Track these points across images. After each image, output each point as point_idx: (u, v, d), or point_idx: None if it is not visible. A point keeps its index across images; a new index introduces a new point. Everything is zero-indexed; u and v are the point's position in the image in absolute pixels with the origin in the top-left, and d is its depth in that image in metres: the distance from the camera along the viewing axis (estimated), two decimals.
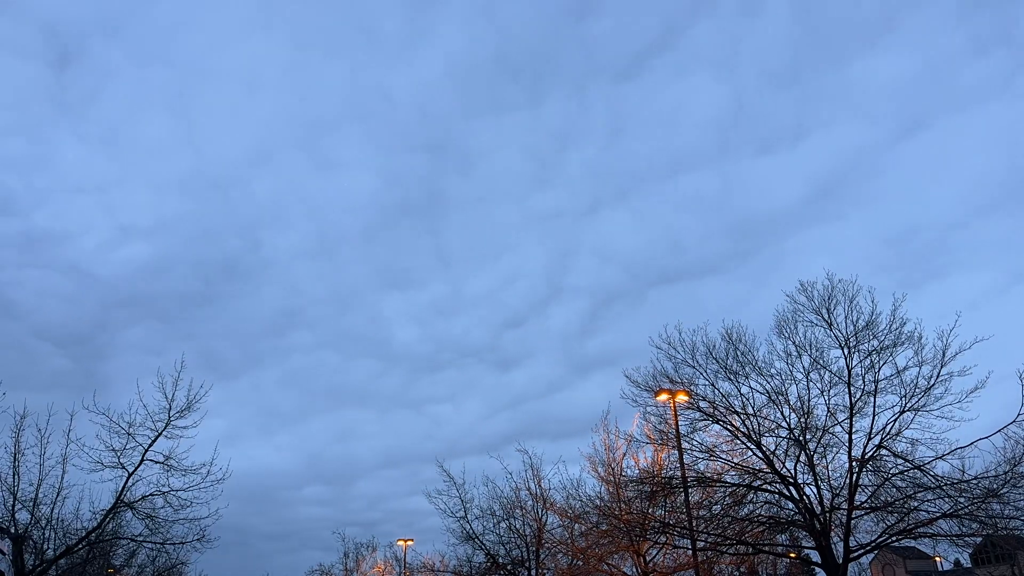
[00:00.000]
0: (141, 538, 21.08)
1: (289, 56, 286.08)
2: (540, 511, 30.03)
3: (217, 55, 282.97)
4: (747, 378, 21.00)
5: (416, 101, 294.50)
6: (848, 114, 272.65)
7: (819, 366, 20.27)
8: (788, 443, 20.38)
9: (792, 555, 27.17)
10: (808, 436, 20.10)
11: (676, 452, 21.76)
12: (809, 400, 20.30)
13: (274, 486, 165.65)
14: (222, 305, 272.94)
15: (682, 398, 21.56)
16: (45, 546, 20.17)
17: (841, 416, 19.82)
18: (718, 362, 21.35)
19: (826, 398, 20.16)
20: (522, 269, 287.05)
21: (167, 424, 19.55)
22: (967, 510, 17.92)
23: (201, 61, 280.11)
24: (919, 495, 18.69)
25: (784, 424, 20.42)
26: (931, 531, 18.88)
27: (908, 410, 18.95)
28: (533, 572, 29.89)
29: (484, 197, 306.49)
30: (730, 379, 21.19)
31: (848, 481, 19.36)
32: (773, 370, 20.88)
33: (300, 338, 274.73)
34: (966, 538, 18.81)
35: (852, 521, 19.21)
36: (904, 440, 19.03)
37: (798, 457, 20.10)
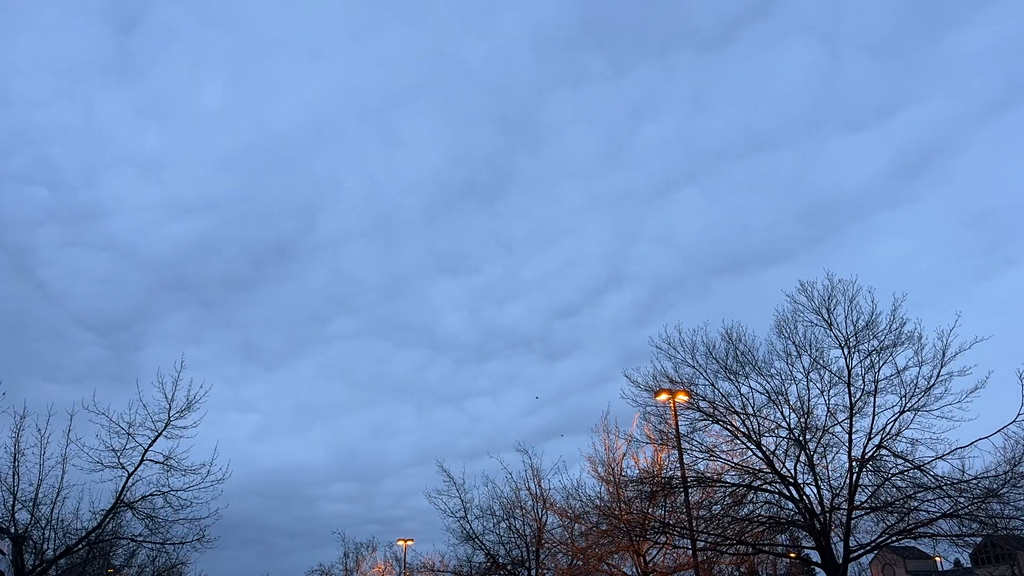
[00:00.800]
0: (141, 538, 21.09)
1: (356, 23, 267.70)
2: (540, 511, 30.05)
3: (281, 20, 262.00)
4: (747, 378, 21.03)
5: (492, 72, 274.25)
6: (941, 87, 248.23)
7: (819, 366, 20.28)
8: (788, 443, 20.39)
9: (792, 555, 27.17)
10: (808, 436, 20.10)
11: (676, 452, 21.76)
12: (809, 400, 20.32)
13: (302, 482, 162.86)
14: (268, 289, 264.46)
15: (682, 398, 21.56)
16: (45, 546, 20.15)
17: (841, 416, 19.83)
18: (718, 362, 21.36)
19: (826, 398, 20.19)
20: (581, 254, 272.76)
21: (167, 424, 19.55)
22: (967, 510, 17.92)
23: (265, 27, 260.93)
24: (919, 495, 18.69)
25: (784, 424, 20.43)
26: (931, 531, 18.88)
27: (908, 410, 18.95)
28: (533, 572, 29.89)
29: (551, 176, 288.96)
30: (730, 379, 21.21)
31: (848, 481, 19.36)
32: (773, 370, 20.92)
33: (344, 325, 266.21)
34: (966, 538, 18.82)
35: (852, 521, 19.21)
36: (904, 440, 19.06)
37: (798, 457, 20.10)
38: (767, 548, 22.63)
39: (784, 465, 20.13)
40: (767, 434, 20.68)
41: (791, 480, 19.87)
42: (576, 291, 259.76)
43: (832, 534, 19.53)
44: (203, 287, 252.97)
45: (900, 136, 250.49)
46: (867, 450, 19.27)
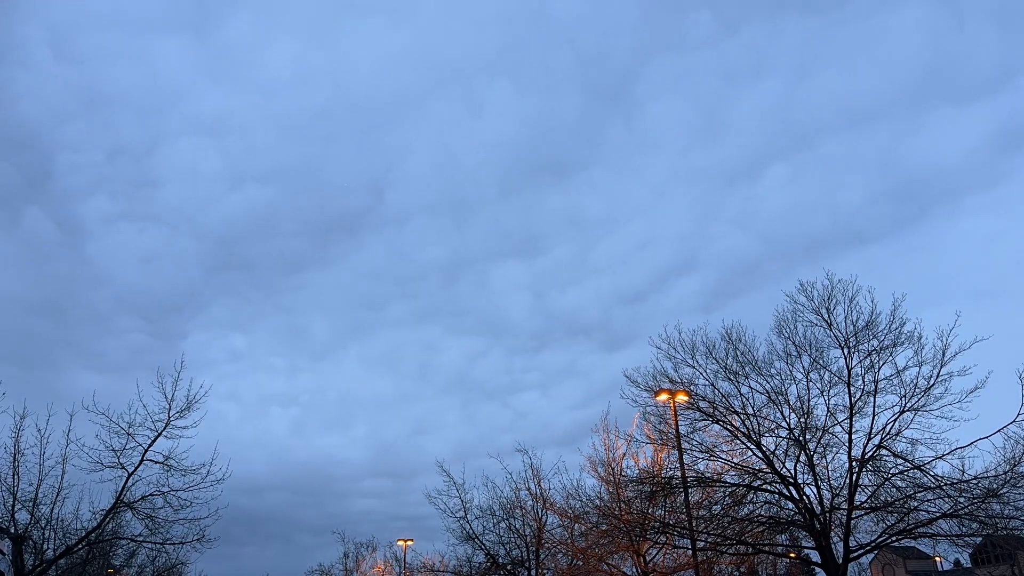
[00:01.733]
0: (141, 538, 21.08)
1: None
2: (540, 511, 30.04)
3: None
4: (747, 378, 21.01)
5: (588, 34, 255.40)
6: None
7: (819, 366, 20.28)
8: (788, 443, 20.38)
9: (792, 555, 27.17)
10: (808, 436, 20.10)
11: (676, 452, 21.75)
12: (809, 400, 20.31)
13: (336, 477, 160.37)
14: (323, 271, 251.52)
15: (682, 398, 21.55)
16: (45, 546, 20.15)
17: (841, 416, 19.83)
18: (718, 362, 21.36)
19: (826, 398, 20.19)
20: (655, 235, 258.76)
21: (167, 424, 19.55)
22: (967, 510, 17.91)
23: None
24: (919, 495, 18.68)
25: (784, 424, 20.43)
26: (931, 531, 18.87)
27: (908, 410, 18.94)
28: (533, 572, 29.88)
29: (636, 150, 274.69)
30: (730, 379, 21.20)
31: (848, 481, 19.35)
32: (773, 370, 20.92)
33: (400, 311, 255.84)
34: (966, 538, 18.81)
35: (852, 521, 19.21)
36: (904, 440, 19.05)
37: (798, 457, 20.10)
38: (767, 548, 22.62)
39: (784, 465, 20.14)
40: (767, 434, 20.69)
41: (791, 480, 19.87)
42: (645, 275, 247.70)
43: (832, 534, 19.52)
44: (257, 267, 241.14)
45: (1004, 111, 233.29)
46: (867, 450, 19.27)
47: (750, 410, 20.78)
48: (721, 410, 21.22)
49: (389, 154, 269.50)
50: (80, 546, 20.24)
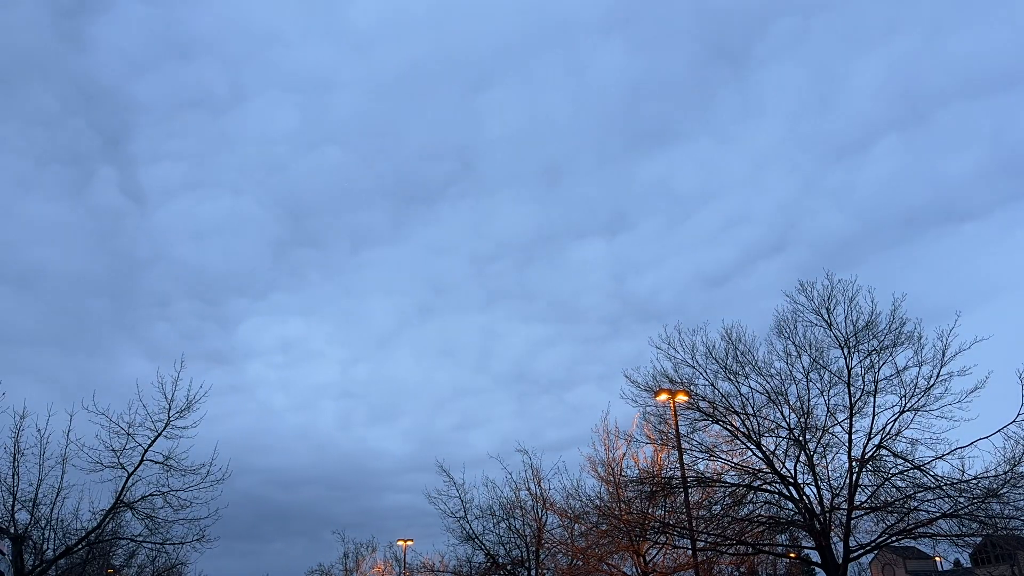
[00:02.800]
0: (141, 538, 21.08)
1: None
2: (540, 511, 30.05)
3: None
4: (747, 378, 21.01)
5: None
6: None
7: (819, 366, 20.27)
8: (788, 443, 20.38)
9: (792, 555, 27.16)
10: (808, 436, 20.09)
11: (676, 452, 21.75)
12: (809, 400, 20.31)
13: (375, 471, 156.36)
14: (394, 245, 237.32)
15: (682, 398, 21.55)
16: (45, 546, 20.15)
17: (841, 416, 19.83)
18: (718, 362, 21.35)
19: (826, 398, 20.18)
20: (748, 211, 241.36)
21: (167, 424, 19.53)
22: (967, 510, 17.90)
23: None
24: (919, 495, 18.67)
25: (784, 424, 20.42)
26: (931, 531, 18.86)
27: (908, 410, 18.94)
28: (533, 572, 29.88)
29: (742, 118, 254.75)
30: (730, 379, 21.20)
31: (848, 481, 19.35)
32: (773, 370, 20.91)
33: (468, 293, 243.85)
34: (966, 538, 18.80)
35: (852, 521, 19.20)
36: (904, 440, 19.04)
37: (798, 457, 20.10)
38: (767, 548, 22.61)
39: (784, 465, 20.13)
40: (767, 434, 20.69)
41: (791, 480, 19.87)
42: (731, 255, 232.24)
43: (832, 534, 19.52)
44: (324, 242, 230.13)
45: None
46: (867, 450, 19.26)
47: (750, 410, 20.79)
48: (721, 410, 21.21)
49: (480, 116, 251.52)
50: (80, 546, 20.23)
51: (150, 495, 19.63)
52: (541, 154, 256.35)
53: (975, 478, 17.81)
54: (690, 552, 21.36)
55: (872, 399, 19.39)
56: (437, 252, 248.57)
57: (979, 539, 20.66)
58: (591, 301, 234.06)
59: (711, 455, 21.62)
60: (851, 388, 19.63)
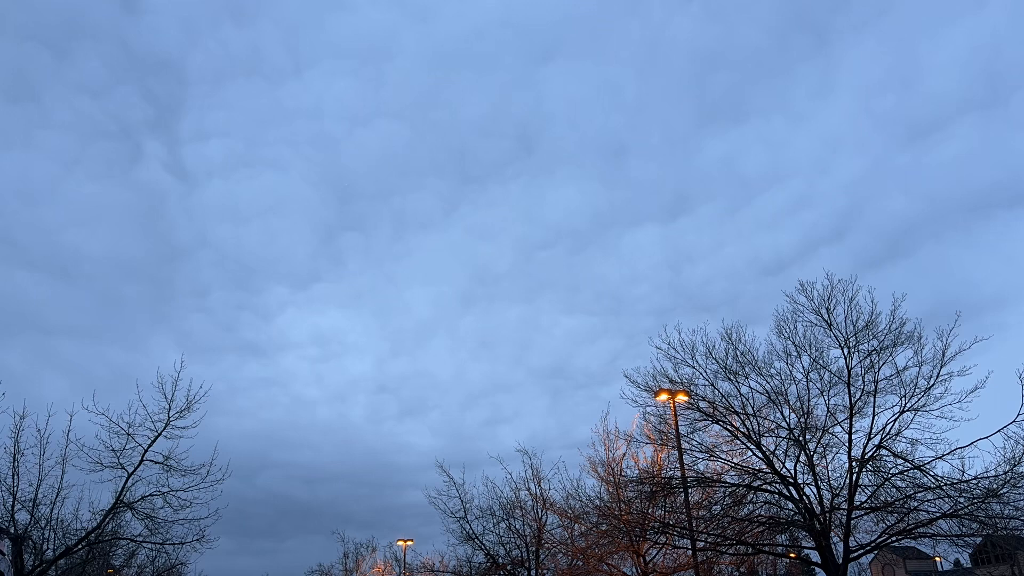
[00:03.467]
0: (141, 538, 21.09)
1: None
2: (540, 511, 30.05)
3: None
4: (747, 378, 21.00)
5: None
6: None
7: (819, 366, 20.26)
8: (788, 443, 20.37)
9: (792, 555, 27.15)
10: (808, 436, 20.09)
11: (676, 452, 21.75)
12: (809, 400, 20.30)
13: (400, 466, 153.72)
14: (442, 231, 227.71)
15: (682, 398, 21.55)
16: (44, 546, 20.16)
17: (841, 416, 19.82)
18: (718, 362, 21.35)
19: (826, 398, 20.18)
20: (813, 194, 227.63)
21: (166, 424, 19.55)
22: (967, 510, 17.90)
23: None
24: (919, 495, 18.67)
25: (784, 424, 20.42)
26: (931, 531, 18.86)
27: (908, 410, 18.94)
28: (533, 572, 29.88)
29: (820, 94, 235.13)
30: (730, 379, 21.19)
31: (848, 481, 19.34)
32: (773, 370, 20.90)
33: (514, 282, 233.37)
34: (966, 538, 18.80)
35: (852, 521, 19.20)
36: (904, 440, 19.04)
37: (798, 457, 20.09)
38: (767, 548, 22.61)
39: (784, 465, 20.13)
40: (767, 434, 20.68)
41: (791, 480, 19.86)
42: (791, 241, 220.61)
43: (832, 534, 19.51)
44: (370, 226, 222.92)
45: None
46: (867, 450, 19.26)
47: (750, 410, 20.78)
48: (721, 410, 21.21)
49: (543, 89, 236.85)
50: (80, 546, 20.23)
51: (150, 495, 19.66)
52: (604, 131, 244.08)
53: (975, 478, 17.80)
54: (690, 552, 21.37)
55: (872, 399, 19.39)
56: (483, 237, 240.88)
57: (979, 539, 20.66)
58: (640, 291, 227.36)
59: (711, 455, 21.62)
60: (851, 388, 19.63)
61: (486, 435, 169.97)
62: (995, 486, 17.48)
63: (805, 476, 20.05)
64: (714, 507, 21.79)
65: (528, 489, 30.40)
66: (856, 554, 19.30)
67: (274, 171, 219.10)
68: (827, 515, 19.35)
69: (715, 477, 21.77)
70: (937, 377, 18.49)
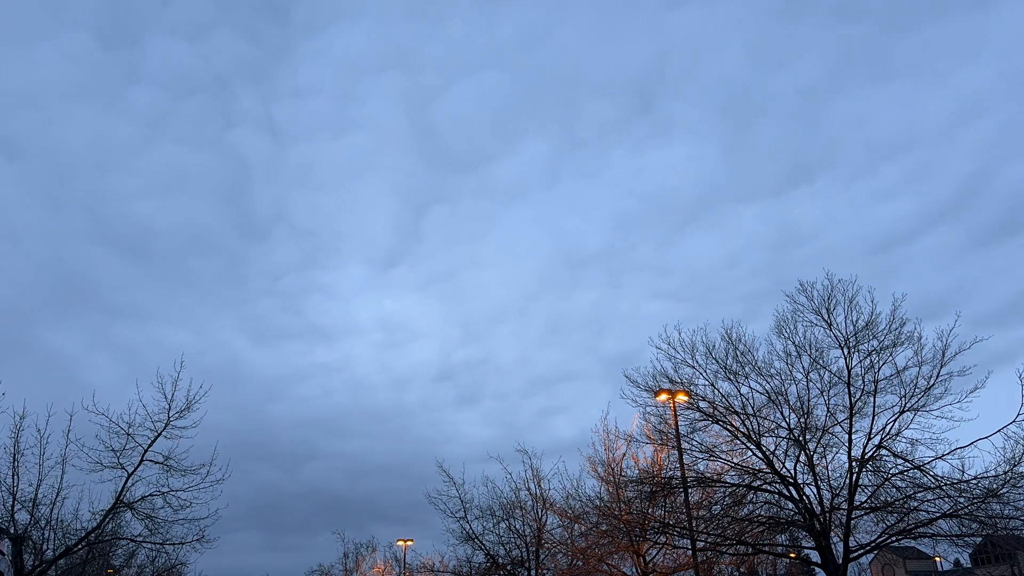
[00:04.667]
0: (140, 538, 21.09)
1: None
2: (540, 511, 30.04)
3: None
4: (747, 378, 21.00)
5: None
6: None
7: (819, 366, 20.25)
8: (788, 443, 20.37)
9: (792, 555, 27.15)
10: (808, 436, 20.09)
11: (676, 452, 21.75)
12: (809, 400, 20.29)
13: (450, 458, 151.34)
14: (537, 205, 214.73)
15: (682, 398, 21.55)
16: (44, 546, 20.15)
17: (841, 416, 19.82)
18: (718, 362, 21.34)
19: (826, 398, 20.17)
20: (938, 162, 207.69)
21: (166, 424, 19.53)
22: (967, 510, 17.90)
23: None
24: (919, 495, 18.67)
25: (784, 424, 20.42)
26: (931, 531, 18.86)
27: (908, 410, 18.93)
28: (533, 572, 29.88)
29: (967, 52, 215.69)
30: (730, 379, 21.19)
31: (848, 481, 19.34)
32: (773, 370, 20.89)
33: (596, 267, 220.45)
34: (966, 538, 18.80)
35: (852, 521, 19.20)
36: (904, 440, 19.04)
37: (798, 457, 20.09)
38: (767, 548, 22.61)
39: (784, 465, 20.13)
40: (767, 434, 20.68)
41: (791, 480, 19.86)
42: (903, 216, 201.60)
43: (832, 534, 19.51)
44: (460, 198, 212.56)
45: None
46: (867, 450, 19.25)
47: (750, 410, 20.78)
48: (721, 410, 21.21)
49: (668, 41, 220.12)
50: (80, 546, 20.23)
51: (150, 495, 19.66)
52: (734, 92, 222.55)
53: (975, 478, 17.80)
54: (690, 552, 21.36)
55: (872, 399, 19.39)
56: (576, 212, 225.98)
57: (979, 539, 20.67)
58: (738, 274, 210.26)
59: (711, 455, 21.62)
60: (851, 388, 19.62)
61: (539, 426, 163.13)
62: (995, 486, 17.48)
63: (805, 476, 20.07)
64: (714, 507, 21.79)
65: (528, 489, 30.41)
66: (856, 554, 19.30)
67: (365, 132, 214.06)
68: (827, 515, 19.34)
69: (715, 477, 21.77)
70: (937, 377, 18.50)
